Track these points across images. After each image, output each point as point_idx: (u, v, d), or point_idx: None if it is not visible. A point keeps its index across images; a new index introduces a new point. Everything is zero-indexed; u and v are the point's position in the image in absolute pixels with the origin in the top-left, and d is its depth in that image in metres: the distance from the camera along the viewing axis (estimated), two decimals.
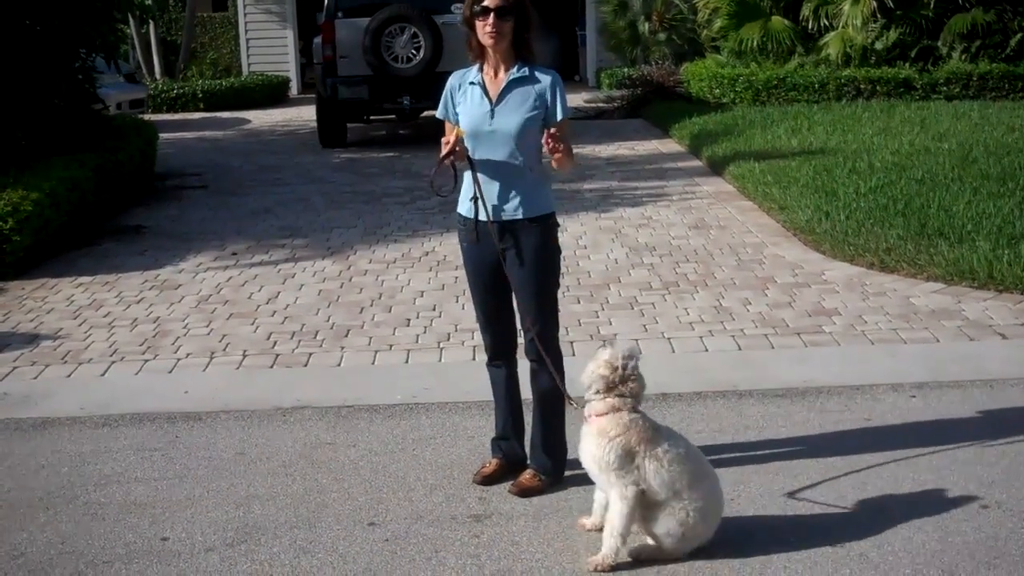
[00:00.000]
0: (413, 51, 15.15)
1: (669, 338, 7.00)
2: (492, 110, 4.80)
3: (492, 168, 4.82)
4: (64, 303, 8.25)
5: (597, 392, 4.39)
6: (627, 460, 4.24)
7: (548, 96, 4.81)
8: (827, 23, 18.37)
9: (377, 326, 7.48)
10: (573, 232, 9.89)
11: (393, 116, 16.48)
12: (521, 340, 5.06)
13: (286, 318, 7.72)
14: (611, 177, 12.81)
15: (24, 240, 9.04)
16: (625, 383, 4.37)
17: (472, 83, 4.87)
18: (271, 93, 23.81)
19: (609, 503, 4.33)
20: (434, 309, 7.80)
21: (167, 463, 5.42)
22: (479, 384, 5.22)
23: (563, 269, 5.32)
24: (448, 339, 7.14)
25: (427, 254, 9.38)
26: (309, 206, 11.75)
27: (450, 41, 14.58)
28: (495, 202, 4.83)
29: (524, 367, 5.05)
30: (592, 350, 6.72)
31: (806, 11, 18.56)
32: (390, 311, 7.81)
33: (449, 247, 9.37)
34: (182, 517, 4.83)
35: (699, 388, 6.13)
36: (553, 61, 28.11)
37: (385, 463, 5.32)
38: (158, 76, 24.42)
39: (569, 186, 11.93)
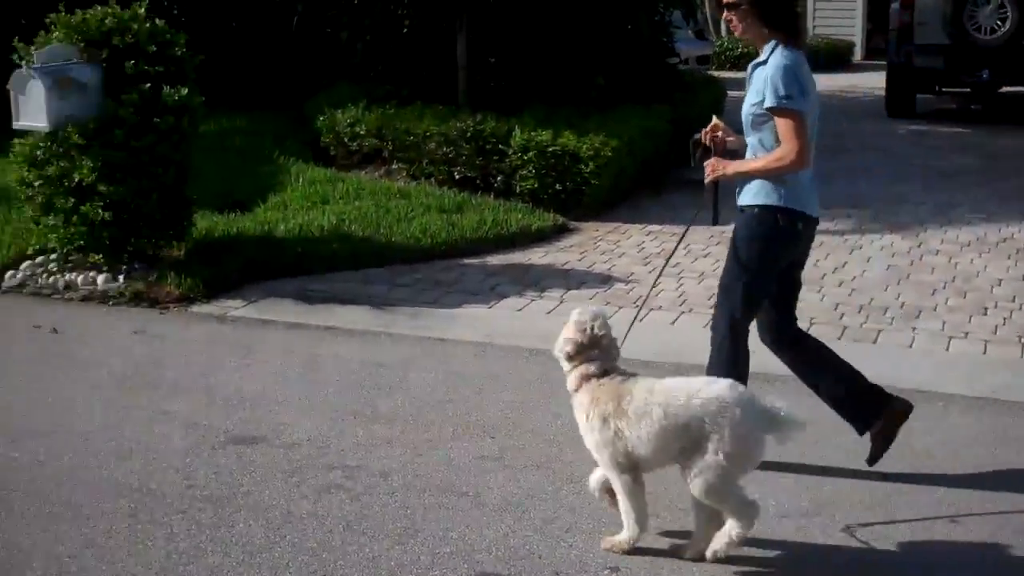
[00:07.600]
0: (998, 22, 14.25)
1: None
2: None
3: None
4: (635, 249, 8.55)
5: (569, 358, 4.10)
6: (606, 429, 4.00)
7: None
8: None
9: (951, 311, 7.12)
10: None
11: (968, 89, 15.59)
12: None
13: (853, 290, 7.55)
14: None
15: (603, 184, 9.47)
16: (594, 346, 4.08)
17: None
18: (834, 57, 23.39)
19: None
20: (1014, 300, 7.32)
21: None
22: None
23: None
24: None
25: (1004, 240, 8.81)
26: (872, 176, 11.41)
27: None
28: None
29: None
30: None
31: None
32: (964, 296, 7.41)
33: None
34: None
35: None
36: None
37: None
38: (724, 33, 24.70)
39: None
